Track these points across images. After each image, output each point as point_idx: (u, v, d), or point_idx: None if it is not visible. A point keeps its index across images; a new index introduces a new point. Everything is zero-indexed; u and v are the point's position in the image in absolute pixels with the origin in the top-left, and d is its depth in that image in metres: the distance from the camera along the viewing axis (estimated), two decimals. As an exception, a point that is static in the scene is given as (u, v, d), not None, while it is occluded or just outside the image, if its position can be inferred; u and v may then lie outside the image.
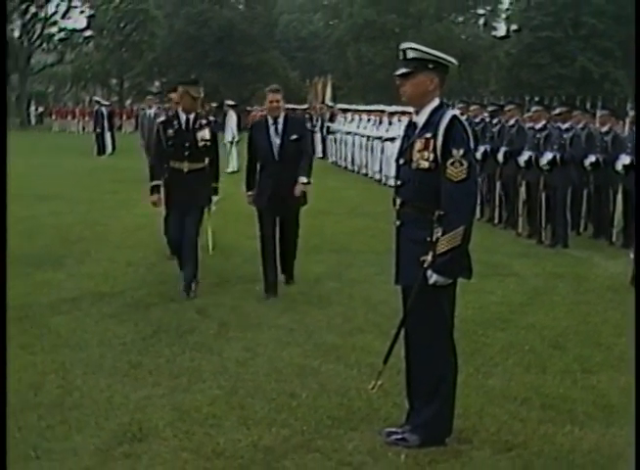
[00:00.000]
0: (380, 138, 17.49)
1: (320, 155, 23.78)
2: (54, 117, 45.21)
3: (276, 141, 6.81)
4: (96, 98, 32.55)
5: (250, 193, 7.03)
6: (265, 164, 6.88)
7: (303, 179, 6.83)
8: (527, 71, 43.92)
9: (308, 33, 57.21)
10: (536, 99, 13.58)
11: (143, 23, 49.30)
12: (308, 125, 21.73)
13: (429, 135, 3.74)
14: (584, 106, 13.39)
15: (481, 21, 54.03)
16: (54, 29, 50.87)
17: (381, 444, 3.89)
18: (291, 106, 22.47)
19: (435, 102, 3.82)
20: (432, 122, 3.76)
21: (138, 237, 9.71)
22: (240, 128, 20.15)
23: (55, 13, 50.34)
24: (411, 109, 4.01)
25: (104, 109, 25.84)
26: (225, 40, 49.06)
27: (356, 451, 3.80)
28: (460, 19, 52.68)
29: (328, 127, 23.76)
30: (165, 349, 5.36)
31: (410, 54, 3.81)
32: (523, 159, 10.13)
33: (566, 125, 10.22)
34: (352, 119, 20.55)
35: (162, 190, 6.98)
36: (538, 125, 10.14)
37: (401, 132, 4.18)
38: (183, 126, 6.87)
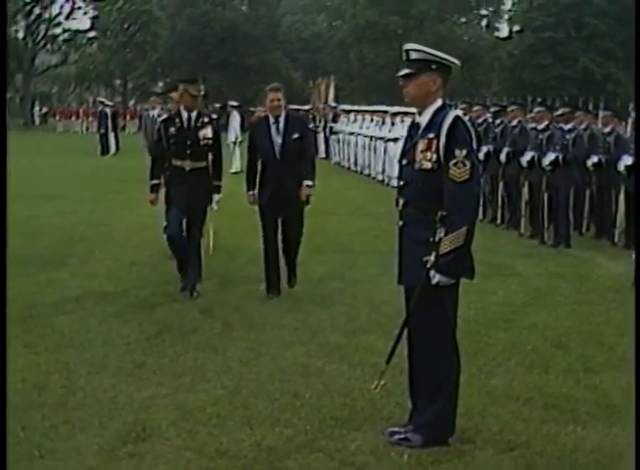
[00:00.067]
0: (383, 139, 17.50)
1: (323, 155, 23.81)
2: (58, 117, 45.26)
3: (277, 140, 6.77)
4: (100, 98, 32.59)
5: (250, 193, 7.00)
6: (267, 163, 6.83)
7: (308, 182, 6.81)
8: (530, 72, 43.84)
9: (311, 34, 57.18)
10: (539, 100, 13.54)
11: (146, 23, 49.30)
12: (311, 126, 21.79)
13: (431, 136, 3.75)
14: (587, 106, 13.36)
15: (484, 22, 53.94)
16: (58, 30, 51.01)
17: (384, 443, 3.90)
18: (294, 106, 22.48)
19: (438, 102, 3.83)
20: (434, 123, 3.77)
21: (142, 237, 9.72)
22: (243, 129, 20.14)
23: (59, 14, 50.47)
24: (414, 109, 4.02)
25: (107, 109, 25.91)
26: (228, 41, 49.07)
27: (359, 451, 3.81)
28: (462, 20, 52.60)
29: (331, 128, 23.76)
30: (169, 348, 5.38)
31: (413, 55, 3.82)
32: (525, 159, 10.14)
33: (568, 126, 10.22)
34: (355, 120, 20.55)
35: (162, 189, 6.97)
36: (541, 126, 10.15)
37: (404, 133, 4.19)
38: (185, 125, 6.83)
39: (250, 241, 8.72)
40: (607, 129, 10.53)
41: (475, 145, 3.76)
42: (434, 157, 3.73)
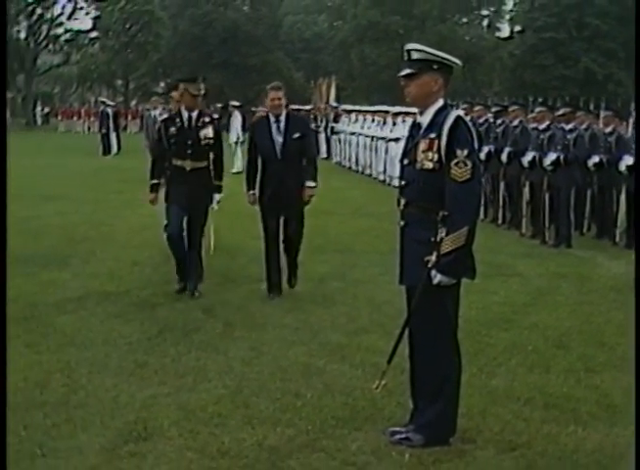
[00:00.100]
0: (384, 138, 17.50)
1: (324, 155, 23.82)
2: (60, 117, 45.24)
3: (278, 139, 6.73)
4: (101, 99, 32.56)
5: (250, 192, 6.98)
6: (268, 162, 6.80)
7: (310, 183, 6.80)
8: (531, 72, 43.87)
9: (312, 34, 57.23)
10: (540, 100, 13.57)
11: (148, 24, 49.35)
12: (313, 126, 21.79)
13: (433, 136, 3.75)
14: (588, 106, 13.38)
15: (485, 22, 53.96)
16: (60, 31, 51.02)
17: (385, 443, 3.90)
18: (295, 106, 22.47)
19: (440, 102, 3.84)
20: (436, 123, 3.78)
21: (143, 237, 9.73)
22: (244, 129, 20.12)
23: (61, 14, 50.49)
24: (415, 109, 4.02)
25: (109, 109, 25.91)
26: (230, 41, 49.11)
27: (360, 451, 3.81)
28: (464, 20, 52.63)
29: (332, 128, 23.78)
30: (171, 348, 5.38)
31: (414, 55, 3.83)
32: (526, 159, 10.14)
33: (569, 126, 10.22)
34: (357, 120, 20.55)
35: (162, 189, 6.96)
36: (542, 126, 10.16)
37: (405, 133, 4.20)
38: (185, 124, 6.81)
39: (251, 241, 8.72)
40: (608, 129, 10.53)
41: (476, 145, 3.76)
42: (436, 157, 3.73)
